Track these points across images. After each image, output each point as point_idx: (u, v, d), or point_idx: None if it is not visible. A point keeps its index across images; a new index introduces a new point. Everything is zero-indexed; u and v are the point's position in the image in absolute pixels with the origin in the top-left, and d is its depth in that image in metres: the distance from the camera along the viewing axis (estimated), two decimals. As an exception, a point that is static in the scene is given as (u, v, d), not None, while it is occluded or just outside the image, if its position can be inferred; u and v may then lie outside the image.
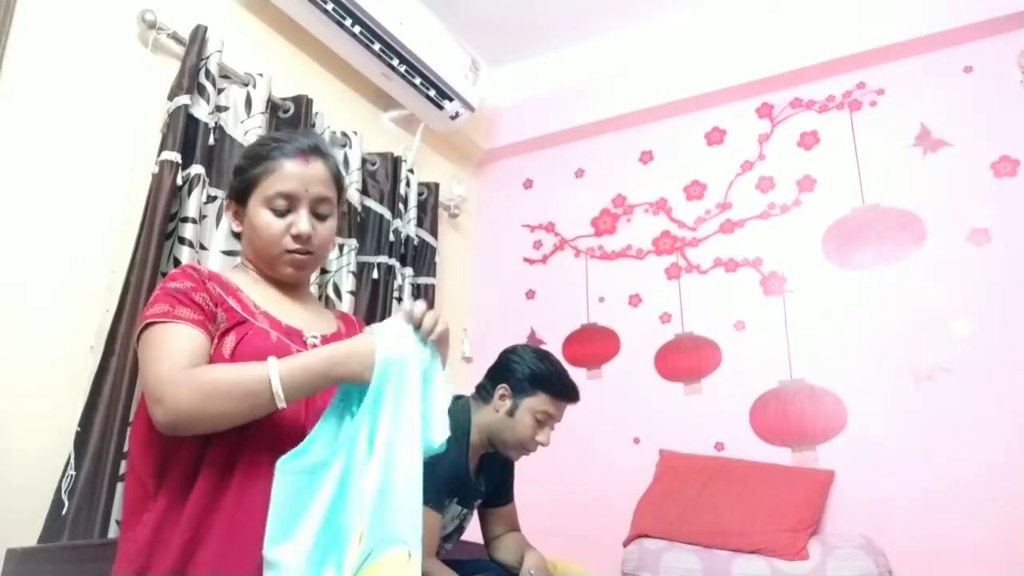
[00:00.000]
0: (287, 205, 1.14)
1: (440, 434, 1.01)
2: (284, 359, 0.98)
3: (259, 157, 1.18)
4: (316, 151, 1.19)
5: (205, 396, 0.94)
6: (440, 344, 1.05)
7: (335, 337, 1.21)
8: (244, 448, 1.00)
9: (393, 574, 0.89)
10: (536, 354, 1.78)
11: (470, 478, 1.73)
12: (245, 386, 0.95)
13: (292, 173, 1.15)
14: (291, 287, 1.22)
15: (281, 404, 0.95)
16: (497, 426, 1.72)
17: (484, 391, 1.77)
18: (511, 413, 1.71)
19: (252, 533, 0.95)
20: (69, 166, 1.65)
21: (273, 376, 0.95)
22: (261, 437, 1.01)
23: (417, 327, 1.02)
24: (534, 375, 1.72)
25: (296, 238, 1.14)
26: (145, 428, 1.02)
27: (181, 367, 0.97)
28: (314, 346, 1.13)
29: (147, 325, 1.02)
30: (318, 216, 1.17)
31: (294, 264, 1.16)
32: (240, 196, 1.19)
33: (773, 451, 2.43)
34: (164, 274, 1.70)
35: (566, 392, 1.75)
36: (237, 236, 1.26)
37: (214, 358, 1.03)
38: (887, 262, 2.43)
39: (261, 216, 1.15)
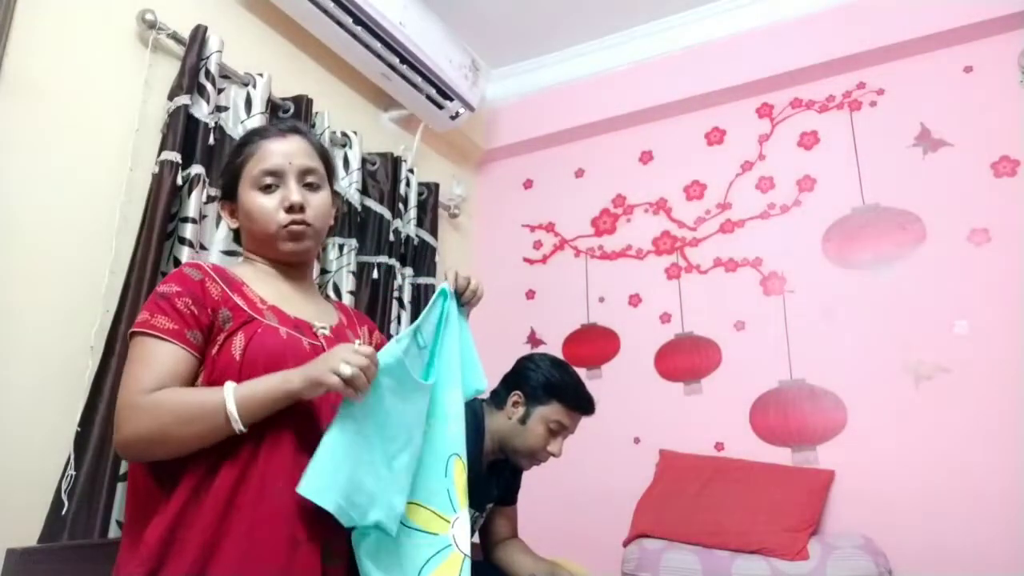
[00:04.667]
0: (275, 181, 1.15)
1: (482, 379, 1.25)
2: (242, 383, 0.97)
3: (240, 147, 1.20)
4: (294, 129, 1.21)
5: (161, 422, 0.94)
6: (473, 304, 1.28)
7: (339, 328, 1.21)
8: (263, 445, 0.98)
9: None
10: (553, 363, 1.76)
11: (482, 480, 1.73)
12: (202, 409, 0.94)
13: (273, 150, 1.16)
14: (296, 278, 1.22)
15: (237, 426, 0.94)
16: (508, 433, 1.70)
17: (498, 397, 1.76)
18: (523, 421, 1.69)
19: (275, 532, 0.95)
20: (69, 166, 1.65)
21: (228, 397, 0.93)
22: (280, 436, 1.00)
23: (459, 293, 1.24)
24: (549, 384, 1.70)
25: (289, 209, 1.14)
26: None
27: (143, 392, 0.96)
28: (325, 336, 1.14)
29: (132, 334, 1.03)
30: (308, 188, 1.18)
31: (292, 236, 1.16)
32: (230, 190, 1.20)
33: (773, 451, 2.43)
34: (164, 274, 1.70)
35: (581, 403, 1.73)
36: (236, 235, 1.25)
37: (223, 359, 1.02)
38: (887, 262, 2.43)
39: (252, 198, 1.15)
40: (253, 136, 1.20)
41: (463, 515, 1.08)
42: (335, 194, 1.26)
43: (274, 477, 0.97)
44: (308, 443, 1.00)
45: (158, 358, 0.99)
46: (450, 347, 1.18)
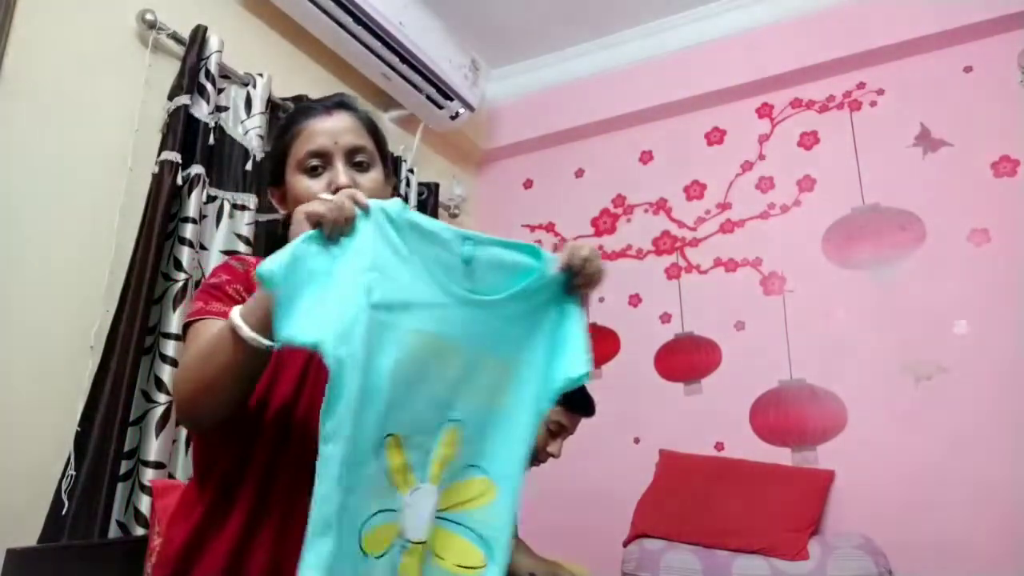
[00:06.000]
0: (322, 163, 1.07)
1: (579, 367, 0.98)
2: None
3: (284, 128, 1.14)
4: (340, 105, 1.13)
5: (192, 367, 0.90)
6: (590, 284, 1.01)
7: None
8: (288, 450, 0.95)
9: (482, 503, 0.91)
10: None
11: None
12: (215, 337, 0.89)
13: (318, 129, 1.08)
14: None
15: (246, 332, 0.85)
16: None
17: None
18: None
19: (301, 543, 0.92)
20: (69, 166, 1.65)
21: (232, 313, 0.88)
22: (306, 438, 0.93)
23: (574, 272, 0.99)
24: None
25: (336, 193, 1.03)
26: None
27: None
28: None
29: (186, 326, 0.99)
30: (357, 167, 1.09)
31: None
32: (277, 176, 1.13)
33: (773, 451, 2.43)
34: (164, 274, 1.71)
35: (581, 405, 1.73)
36: (287, 223, 1.15)
37: None
38: (887, 262, 2.43)
39: (299, 182, 1.08)
40: (297, 116, 1.13)
41: (427, 491, 0.88)
42: (388, 173, 1.17)
43: (300, 484, 0.90)
44: None
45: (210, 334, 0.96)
46: (532, 325, 0.98)
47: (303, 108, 1.15)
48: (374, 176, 1.10)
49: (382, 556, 0.82)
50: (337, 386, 0.78)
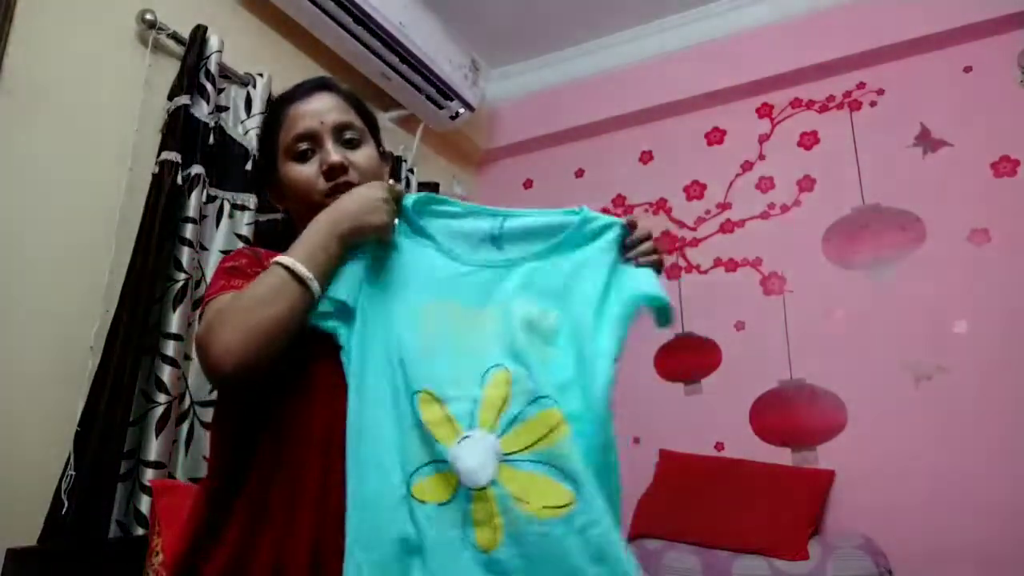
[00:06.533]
0: (310, 146, 1.04)
1: (652, 287, 1.06)
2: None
3: (268, 122, 1.11)
4: (321, 86, 1.10)
5: (238, 316, 0.86)
6: (645, 244, 1.03)
7: None
8: (291, 449, 0.92)
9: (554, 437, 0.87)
10: None
11: None
12: (263, 282, 0.88)
13: (301, 112, 1.05)
14: None
15: (302, 271, 0.87)
16: None
17: None
18: None
19: (303, 543, 0.88)
20: (69, 166, 1.65)
21: (280, 258, 0.89)
22: (307, 439, 0.92)
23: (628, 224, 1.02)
24: None
25: (329, 172, 1.02)
26: (215, 425, 1.01)
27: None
28: None
29: (205, 305, 0.96)
30: (348, 145, 1.06)
31: None
32: (270, 172, 1.10)
33: (773, 451, 2.43)
34: (164, 274, 1.71)
35: None
36: (287, 219, 1.15)
37: None
38: (887, 262, 2.43)
39: (291, 170, 1.04)
40: (278, 105, 1.09)
41: (478, 437, 0.86)
42: (384, 151, 1.14)
43: (303, 480, 0.91)
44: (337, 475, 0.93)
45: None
46: (586, 276, 1.02)
47: (284, 95, 1.10)
48: (367, 152, 1.07)
49: (446, 504, 0.85)
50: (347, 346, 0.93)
